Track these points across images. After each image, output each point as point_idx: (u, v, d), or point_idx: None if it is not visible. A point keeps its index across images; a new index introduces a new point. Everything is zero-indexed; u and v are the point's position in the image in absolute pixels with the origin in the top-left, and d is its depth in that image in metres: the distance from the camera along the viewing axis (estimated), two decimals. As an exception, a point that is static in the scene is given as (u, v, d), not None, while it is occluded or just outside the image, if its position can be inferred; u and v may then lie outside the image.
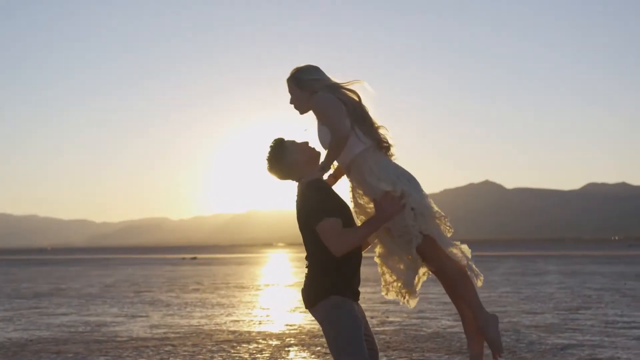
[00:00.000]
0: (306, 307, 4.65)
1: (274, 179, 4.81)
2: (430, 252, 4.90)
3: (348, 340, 4.38)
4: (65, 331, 12.05)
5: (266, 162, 4.76)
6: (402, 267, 5.06)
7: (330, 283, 4.54)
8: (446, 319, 12.91)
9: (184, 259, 68.95)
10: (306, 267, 4.66)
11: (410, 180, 4.69)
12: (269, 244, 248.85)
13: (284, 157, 4.67)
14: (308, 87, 4.76)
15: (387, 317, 13.30)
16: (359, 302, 4.77)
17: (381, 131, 4.84)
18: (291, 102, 4.83)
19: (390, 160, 4.82)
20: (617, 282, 22.23)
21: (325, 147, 4.74)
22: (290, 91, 4.81)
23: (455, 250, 5.01)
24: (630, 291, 18.67)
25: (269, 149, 4.73)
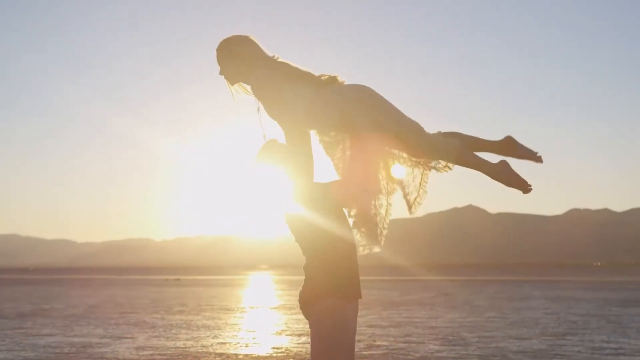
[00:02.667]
0: (301, 307, 4.59)
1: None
2: (413, 140, 4.81)
3: (328, 348, 4.38)
4: (50, 352, 11.97)
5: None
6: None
7: (333, 281, 4.50)
8: (433, 344, 12.90)
9: (167, 280, 68.60)
10: (304, 274, 4.61)
11: (360, 90, 4.75)
12: (252, 266, 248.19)
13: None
14: (240, 60, 4.82)
15: (374, 341, 13.27)
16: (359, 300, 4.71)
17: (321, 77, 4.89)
18: (221, 73, 4.87)
19: (334, 89, 4.85)
20: (602, 308, 22.29)
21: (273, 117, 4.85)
22: (220, 62, 4.86)
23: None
24: (615, 317, 18.71)
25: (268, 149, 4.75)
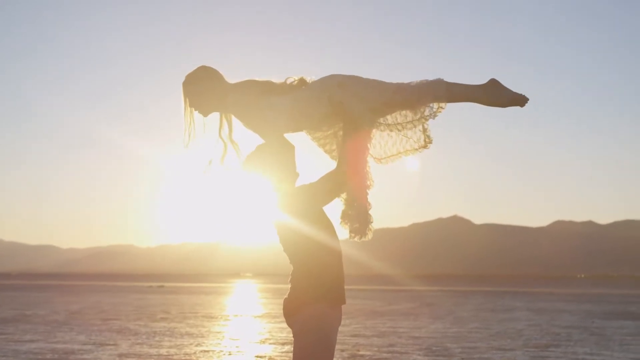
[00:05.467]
0: (285, 315, 4.59)
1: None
2: (402, 98, 4.86)
3: (312, 354, 4.39)
4: (32, 358, 11.92)
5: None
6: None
7: (319, 288, 4.51)
8: (417, 354, 12.90)
9: (151, 287, 68.43)
10: (290, 282, 4.61)
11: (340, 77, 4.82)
12: (236, 274, 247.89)
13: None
14: (211, 91, 4.84)
15: (358, 351, 13.26)
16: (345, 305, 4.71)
17: (288, 81, 4.95)
18: (191, 105, 4.88)
19: (309, 86, 4.90)
20: (585, 320, 22.35)
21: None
22: (191, 97, 4.86)
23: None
24: (598, 330, 18.77)
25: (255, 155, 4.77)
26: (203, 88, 4.84)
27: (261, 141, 4.87)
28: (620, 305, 33.65)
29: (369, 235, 4.93)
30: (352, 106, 4.71)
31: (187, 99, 4.87)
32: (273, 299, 39.88)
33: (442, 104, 4.82)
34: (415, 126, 4.90)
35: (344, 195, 4.87)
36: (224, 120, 4.97)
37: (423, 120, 4.88)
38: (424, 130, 4.93)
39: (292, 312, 4.51)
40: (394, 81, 4.86)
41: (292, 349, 4.40)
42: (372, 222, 4.89)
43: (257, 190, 4.73)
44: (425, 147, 4.97)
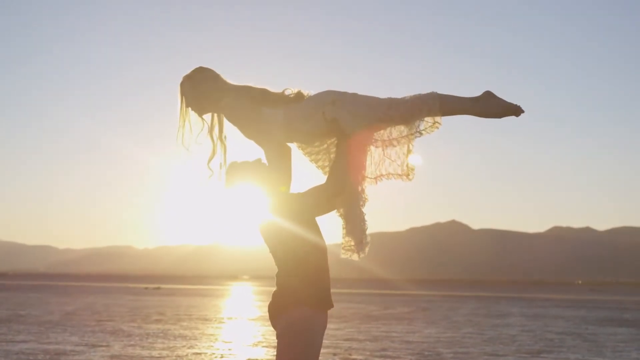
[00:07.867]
0: (271, 316, 4.61)
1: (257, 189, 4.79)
2: (396, 114, 4.86)
3: (296, 357, 4.39)
4: (23, 359, 11.90)
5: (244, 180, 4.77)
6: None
7: (305, 291, 4.52)
8: (408, 359, 12.90)
9: (147, 288, 68.38)
10: (276, 284, 4.62)
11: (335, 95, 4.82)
12: (234, 277, 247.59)
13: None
14: (208, 92, 4.86)
15: (350, 355, 13.27)
16: (331, 309, 4.70)
17: (286, 92, 4.96)
18: (188, 106, 4.89)
19: (306, 101, 4.91)
20: (579, 327, 22.36)
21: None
22: (187, 97, 4.87)
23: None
24: (592, 336, 18.77)
25: (235, 170, 4.76)
26: (200, 89, 4.86)
27: (255, 145, 4.89)
28: (615, 312, 33.65)
29: (363, 253, 4.95)
30: (347, 123, 4.73)
31: (184, 99, 4.90)
32: (268, 301, 39.81)
33: (438, 120, 4.82)
34: (410, 141, 4.91)
35: (341, 211, 4.89)
36: (215, 120, 4.99)
37: (418, 134, 4.89)
38: (408, 151, 4.92)
39: (277, 314, 4.52)
40: (388, 96, 4.86)
41: (276, 348, 4.42)
42: (368, 240, 4.90)
43: (252, 193, 4.74)
44: (407, 176, 4.96)
